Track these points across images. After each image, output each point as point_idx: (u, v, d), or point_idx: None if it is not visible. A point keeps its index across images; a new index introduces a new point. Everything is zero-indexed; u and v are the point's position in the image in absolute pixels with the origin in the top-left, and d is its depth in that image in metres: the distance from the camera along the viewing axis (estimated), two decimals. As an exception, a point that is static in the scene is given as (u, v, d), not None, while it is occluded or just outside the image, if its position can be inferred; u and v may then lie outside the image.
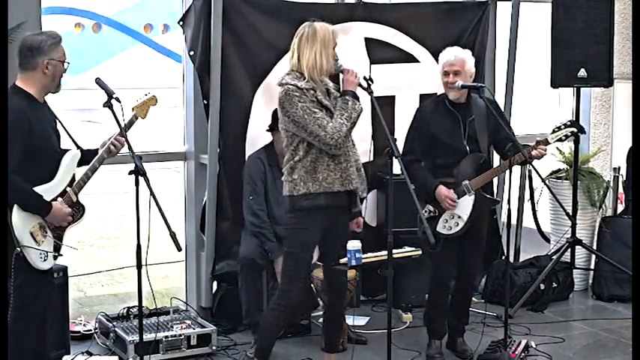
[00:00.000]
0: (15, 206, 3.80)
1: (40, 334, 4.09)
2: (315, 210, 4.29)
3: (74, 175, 4.04)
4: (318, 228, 4.35)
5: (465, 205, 4.87)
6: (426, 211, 4.86)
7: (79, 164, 4.08)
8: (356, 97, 4.31)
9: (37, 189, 3.87)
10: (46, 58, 3.90)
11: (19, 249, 3.80)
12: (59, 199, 3.94)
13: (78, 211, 4.06)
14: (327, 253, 4.50)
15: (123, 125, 4.03)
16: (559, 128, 4.93)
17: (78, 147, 4.13)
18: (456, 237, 4.89)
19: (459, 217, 4.88)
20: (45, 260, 3.92)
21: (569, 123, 4.96)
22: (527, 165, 4.89)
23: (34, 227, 3.86)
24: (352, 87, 4.32)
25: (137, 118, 4.20)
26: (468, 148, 4.87)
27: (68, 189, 3.99)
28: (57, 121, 4.10)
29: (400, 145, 5.81)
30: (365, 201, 4.84)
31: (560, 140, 4.96)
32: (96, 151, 4.12)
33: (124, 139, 4.05)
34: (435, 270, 5.02)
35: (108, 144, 4.08)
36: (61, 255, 4.04)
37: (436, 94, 6.18)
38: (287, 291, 4.38)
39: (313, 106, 4.22)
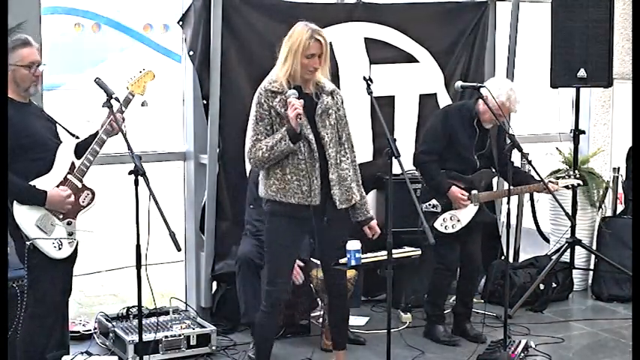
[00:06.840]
0: (14, 202, 3.86)
1: (61, 322, 4.33)
2: (270, 214, 4.23)
3: (73, 162, 4.07)
4: (283, 232, 4.21)
5: (468, 212, 5.14)
6: (429, 205, 5.09)
7: (78, 153, 4.11)
8: (293, 137, 4.00)
9: (35, 182, 3.92)
10: (8, 64, 3.91)
11: (28, 242, 3.87)
12: (61, 186, 4.00)
13: (87, 195, 4.09)
14: (322, 258, 4.48)
15: (122, 124, 4.04)
16: (565, 177, 5.41)
17: (73, 136, 4.16)
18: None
19: (459, 220, 5.14)
20: (60, 248, 3.97)
21: (577, 175, 5.48)
22: (527, 164, 4.96)
23: (39, 219, 3.91)
24: (293, 123, 4.00)
25: (133, 96, 4.17)
26: (478, 162, 5.16)
27: (69, 176, 4.03)
28: (49, 117, 4.14)
29: (407, 142, 5.87)
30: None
31: (565, 187, 5.45)
32: (93, 137, 4.12)
33: (121, 116, 4.05)
34: (440, 256, 5.20)
35: (106, 125, 4.07)
36: (75, 240, 4.06)
37: (436, 94, 6.20)
38: (268, 291, 4.30)
39: (265, 115, 4.12)
